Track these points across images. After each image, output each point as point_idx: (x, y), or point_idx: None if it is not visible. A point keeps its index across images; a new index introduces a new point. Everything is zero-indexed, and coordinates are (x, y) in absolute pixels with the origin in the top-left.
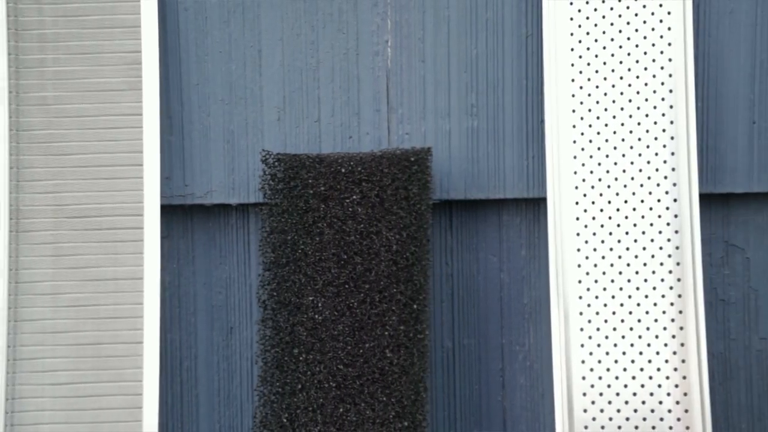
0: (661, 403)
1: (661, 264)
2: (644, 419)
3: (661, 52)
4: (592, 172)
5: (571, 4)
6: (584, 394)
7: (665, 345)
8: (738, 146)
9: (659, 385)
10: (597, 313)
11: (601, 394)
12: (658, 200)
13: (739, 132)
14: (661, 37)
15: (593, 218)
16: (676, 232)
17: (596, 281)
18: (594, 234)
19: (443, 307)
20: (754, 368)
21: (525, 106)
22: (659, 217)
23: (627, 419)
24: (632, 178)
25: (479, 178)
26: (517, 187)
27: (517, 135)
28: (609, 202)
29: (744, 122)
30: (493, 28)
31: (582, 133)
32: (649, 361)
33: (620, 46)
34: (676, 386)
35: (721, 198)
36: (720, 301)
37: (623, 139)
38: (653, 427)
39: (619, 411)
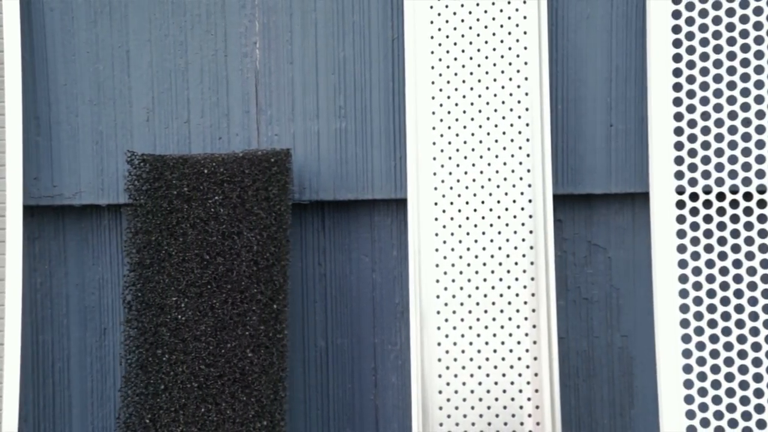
0: (513, 399)
1: (516, 263)
2: (497, 416)
3: (518, 56)
4: (450, 173)
5: (432, 7)
6: (440, 392)
7: (518, 343)
8: (597, 148)
9: (512, 383)
10: (454, 312)
11: (456, 392)
12: (514, 201)
13: (597, 134)
14: (518, 41)
15: (451, 219)
16: (531, 232)
17: (454, 280)
18: (452, 234)
19: (316, 307)
20: (615, 365)
21: (392, 108)
22: (515, 217)
23: (480, 416)
24: (489, 179)
25: (348, 179)
26: (386, 188)
27: (385, 136)
28: (467, 203)
29: (602, 125)
30: (360, 31)
31: (441, 135)
32: (503, 359)
33: (479, 50)
34: (528, 383)
35: (584, 199)
36: (583, 300)
37: (481, 141)
38: (505, 424)
39: (473, 408)
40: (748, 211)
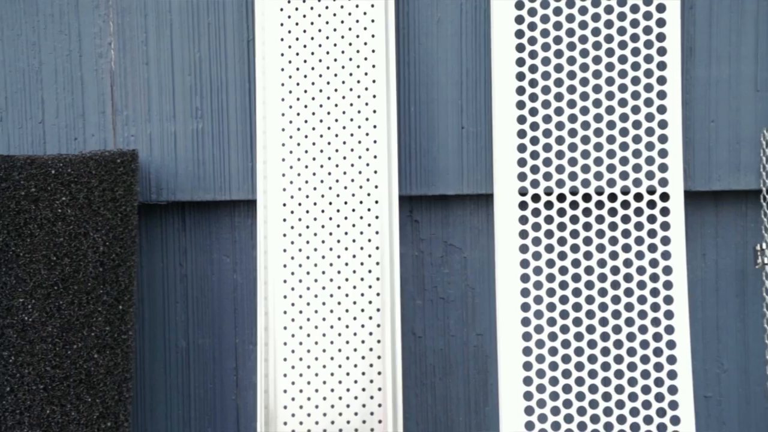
0: (356, 398)
1: (362, 264)
2: (340, 414)
3: (366, 59)
4: (299, 174)
5: (282, 10)
6: (285, 391)
7: (362, 342)
8: (449, 150)
9: (355, 381)
10: (301, 312)
11: (301, 391)
12: (361, 202)
13: (449, 136)
14: (366, 44)
15: (299, 219)
16: (377, 233)
17: (301, 281)
18: (300, 235)
19: (177, 307)
20: (471, 363)
21: (249, 109)
22: (361, 218)
23: (324, 414)
24: (337, 181)
25: (206, 179)
26: (243, 188)
27: (242, 137)
28: (315, 204)
29: (454, 127)
30: (216, 33)
31: (291, 137)
32: (347, 358)
33: (327, 52)
34: (372, 381)
35: (440, 200)
36: (440, 299)
37: (329, 143)
38: (348, 422)
39: (317, 407)
40: (587, 212)
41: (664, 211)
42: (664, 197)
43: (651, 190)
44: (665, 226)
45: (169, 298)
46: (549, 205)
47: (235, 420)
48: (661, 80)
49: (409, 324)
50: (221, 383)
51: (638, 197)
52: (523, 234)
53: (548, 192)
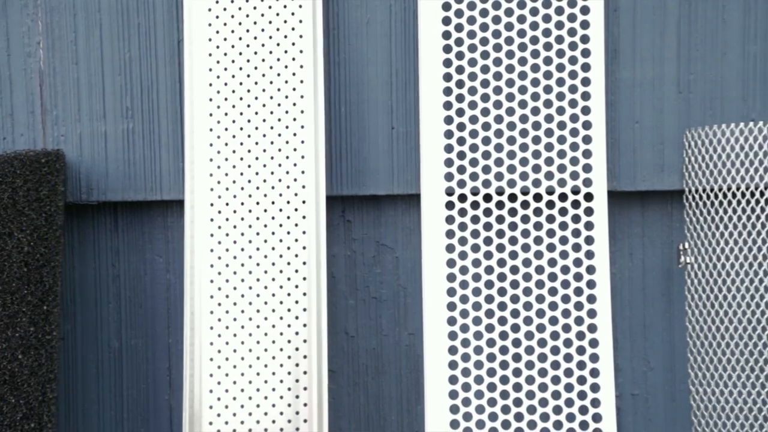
0: (281, 398)
1: (289, 263)
2: (266, 413)
3: (293, 59)
4: (227, 174)
5: (210, 10)
6: (211, 391)
7: (288, 341)
8: (380, 150)
9: (281, 381)
10: (227, 312)
11: (227, 391)
12: (288, 202)
13: (380, 136)
14: (293, 44)
15: (227, 219)
16: (304, 233)
17: (228, 281)
18: (227, 235)
19: (110, 308)
20: (403, 362)
21: (180, 109)
22: (288, 218)
23: (250, 414)
24: (264, 181)
25: (136, 179)
26: (174, 189)
27: (173, 137)
28: (242, 204)
29: (384, 127)
30: (146, 33)
31: (218, 137)
32: (273, 358)
33: (255, 53)
34: (297, 381)
35: (372, 200)
36: (372, 299)
37: (257, 143)
38: (273, 422)
39: (243, 406)
40: (512, 212)
41: (588, 211)
42: (588, 197)
43: (575, 190)
44: (589, 225)
45: (102, 298)
46: (475, 205)
47: (168, 420)
48: (586, 81)
49: (342, 324)
50: (154, 383)
51: (563, 197)
52: (450, 234)
53: (475, 192)
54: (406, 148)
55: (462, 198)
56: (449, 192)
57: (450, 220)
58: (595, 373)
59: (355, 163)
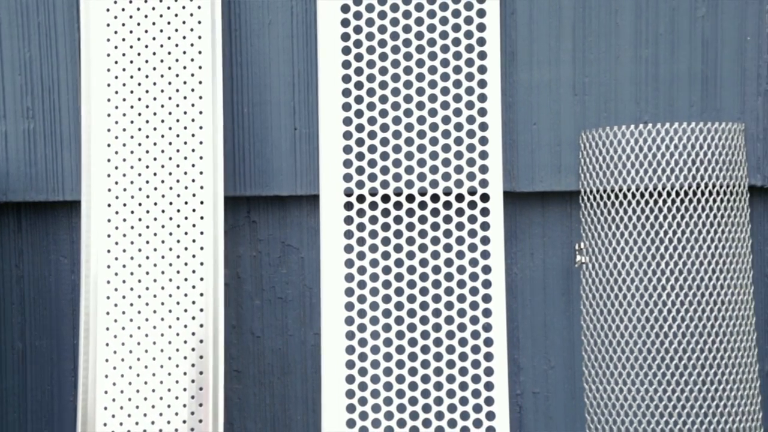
0: (177, 398)
1: (186, 264)
2: (161, 414)
3: (192, 60)
4: (125, 174)
5: (108, 10)
6: (106, 392)
7: (185, 342)
8: (282, 151)
9: (177, 381)
10: (123, 313)
11: (122, 392)
12: (186, 203)
13: (282, 137)
14: (192, 45)
15: (124, 220)
16: (202, 233)
17: (125, 281)
18: (124, 236)
19: (13, 309)
20: (309, 362)
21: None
22: (186, 219)
23: (145, 415)
24: (162, 181)
25: (38, 180)
26: (76, 189)
27: (75, 138)
28: (140, 204)
29: (286, 128)
30: (47, 32)
31: (116, 137)
32: (170, 358)
33: (154, 53)
34: (193, 381)
35: (278, 201)
36: (278, 299)
37: (155, 143)
38: (168, 422)
39: (138, 407)
40: (410, 213)
41: (485, 212)
42: (485, 198)
43: (472, 191)
44: (485, 226)
45: (5, 299)
46: (374, 205)
47: (72, 421)
48: (482, 83)
49: (248, 324)
50: (59, 385)
51: (460, 198)
52: (348, 234)
53: (373, 193)
54: (309, 150)
55: (361, 198)
56: (348, 193)
57: (348, 220)
58: (489, 371)
59: (258, 163)
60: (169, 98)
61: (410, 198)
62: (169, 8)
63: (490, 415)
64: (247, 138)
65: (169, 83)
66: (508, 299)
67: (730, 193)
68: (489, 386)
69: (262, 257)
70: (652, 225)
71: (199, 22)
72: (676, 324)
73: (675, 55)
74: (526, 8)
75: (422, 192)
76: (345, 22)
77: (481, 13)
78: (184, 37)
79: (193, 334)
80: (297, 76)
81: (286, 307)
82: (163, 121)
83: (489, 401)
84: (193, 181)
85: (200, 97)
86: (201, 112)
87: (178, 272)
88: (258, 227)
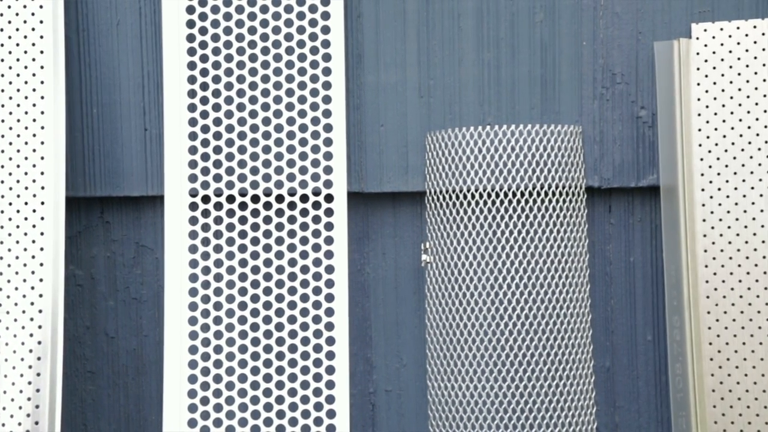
0: (13, 400)
1: (25, 265)
2: (11, 416)
3: (34, 59)
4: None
5: None
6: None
7: (22, 344)
8: (133, 152)
9: (13, 383)
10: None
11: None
12: (26, 203)
13: (133, 138)
14: (34, 45)
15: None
16: (42, 234)
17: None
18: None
19: None
20: (164, 362)
21: None
22: (26, 219)
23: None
24: (2, 182)
25: None
26: None
27: None
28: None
29: (137, 129)
30: None
31: None
32: (6, 360)
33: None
34: (30, 383)
35: (132, 201)
36: (133, 300)
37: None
38: (3, 425)
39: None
40: (255, 213)
41: (329, 212)
42: (329, 198)
43: (316, 192)
44: (329, 226)
45: None
46: (219, 206)
47: None
48: (327, 85)
49: (102, 325)
50: None
51: (304, 198)
52: (193, 234)
53: (218, 193)
54: (160, 150)
55: (205, 199)
56: (193, 193)
57: (193, 220)
58: (330, 370)
59: (109, 164)
60: (10, 98)
61: (255, 198)
62: (9, 7)
63: (331, 413)
64: (97, 138)
65: (10, 83)
66: (362, 298)
67: (568, 194)
68: (330, 384)
69: (116, 258)
70: (492, 225)
71: (41, 22)
72: (520, 321)
73: (516, 58)
74: (372, 11)
75: (267, 192)
76: (190, 23)
77: (326, 16)
78: (25, 37)
79: (31, 335)
80: (147, 77)
81: (141, 308)
82: (2, 121)
83: (330, 399)
84: (34, 181)
85: (42, 97)
86: (43, 112)
87: (17, 273)
88: (112, 228)
